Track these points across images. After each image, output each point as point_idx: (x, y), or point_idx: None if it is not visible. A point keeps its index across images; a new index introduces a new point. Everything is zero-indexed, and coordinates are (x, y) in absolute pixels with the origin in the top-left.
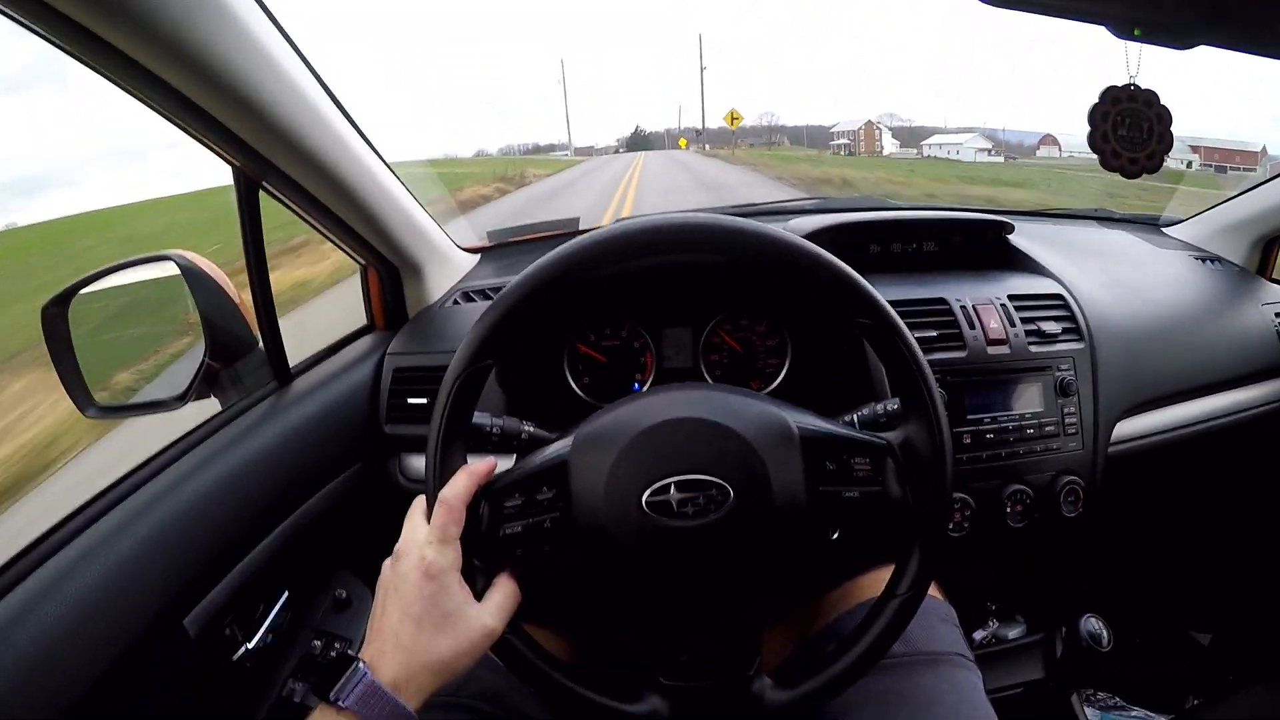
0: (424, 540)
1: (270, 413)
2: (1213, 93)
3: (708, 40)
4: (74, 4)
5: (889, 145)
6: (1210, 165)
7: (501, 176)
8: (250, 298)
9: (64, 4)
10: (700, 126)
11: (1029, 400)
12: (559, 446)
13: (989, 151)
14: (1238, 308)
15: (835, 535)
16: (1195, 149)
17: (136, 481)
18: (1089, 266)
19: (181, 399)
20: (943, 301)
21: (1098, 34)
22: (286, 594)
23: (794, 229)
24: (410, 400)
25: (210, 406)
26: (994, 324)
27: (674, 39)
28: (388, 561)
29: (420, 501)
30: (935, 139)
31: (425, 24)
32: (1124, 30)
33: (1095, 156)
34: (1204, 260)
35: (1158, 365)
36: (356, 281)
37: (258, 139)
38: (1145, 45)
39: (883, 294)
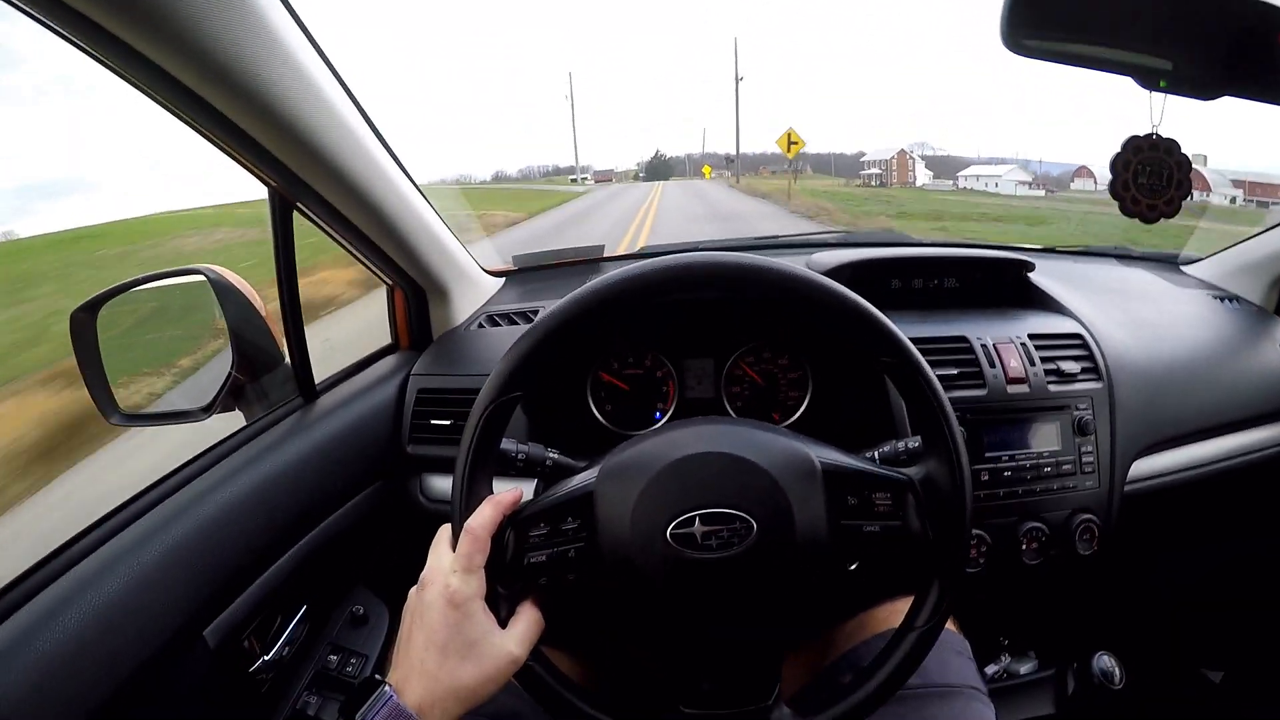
0: (449, 569)
1: (295, 429)
2: (1255, 125)
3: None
4: (133, 32)
5: (922, 176)
6: (1253, 201)
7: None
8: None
9: (124, 31)
10: (733, 152)
11: (1046, 439)
12: (585, 477)
13: (1029, 185)
14: (1256, 347)
15: (853, 567)
16: (1238, 184)
17: (162, 493)
18: (1108, 305)
19: (207, 410)
20: (963, 340)
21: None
22: (305, 608)
23: (816, 264)
24: (434, 421)
25: (234, 419)
26: (1014, 363)
27: (697, 60)
28: (414, 589)
29: (446, 530)
30: (972, 170)
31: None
32: (1149, 82)
33: None
34: (1222, 299)
35: (1175, 404)
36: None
37: (295, 162)
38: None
39: (904, 331)
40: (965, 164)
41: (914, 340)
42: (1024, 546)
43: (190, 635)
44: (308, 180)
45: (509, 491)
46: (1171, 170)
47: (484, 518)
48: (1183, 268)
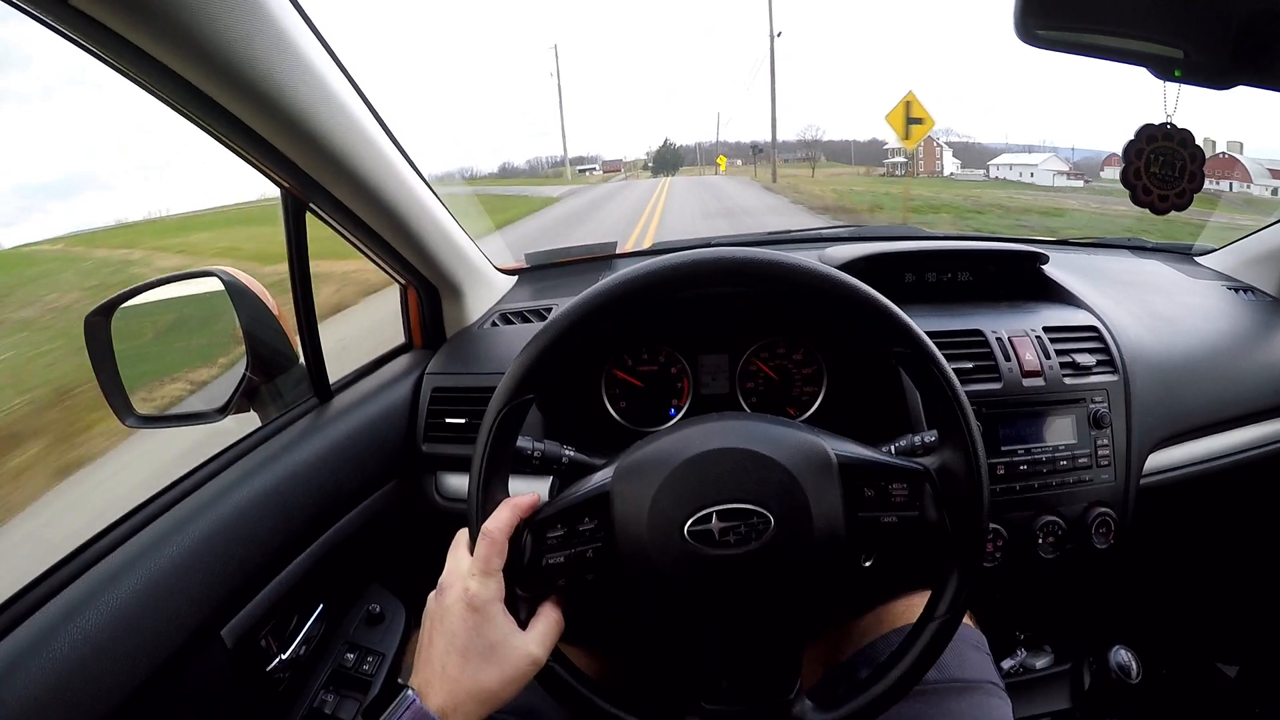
0: (467, 572)
1: (311, 429)
2: None
3: (747, 54)
4: (143, 35)
5: (949, 164)
6: None
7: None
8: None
9: (135, 35)
10: (764, 139)
11: (1062, 432)
12: (600, 477)
13: (1066, 175)
14: (1271, 338)
15: (868, 562)
16: (1276, 173)
17: (180, 493)
18: (1122, 297)
19: (222, 412)
20: (978, 333)
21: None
22: (321, 607)
23: (829, 258)
24: (448, 420)
25: (249, 420)
26: (1029, 356)
27: (713, 39)
28: (432, 594)
29: (463, 534)
30: (1004, 159)
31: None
32: (1164, 72)
33: None
34: (1237, 290)
35: (1191, 397)
36: None
37: (307, 162)
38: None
39: (918, 324)
40: (992, 151)
41: (928, 333)
42: (1040, 541)
43: (208, 635)
44: (320, 180)
45: (526, 495)
46: (1185, 162)
47: (501, 521)
48: (1197, 258)
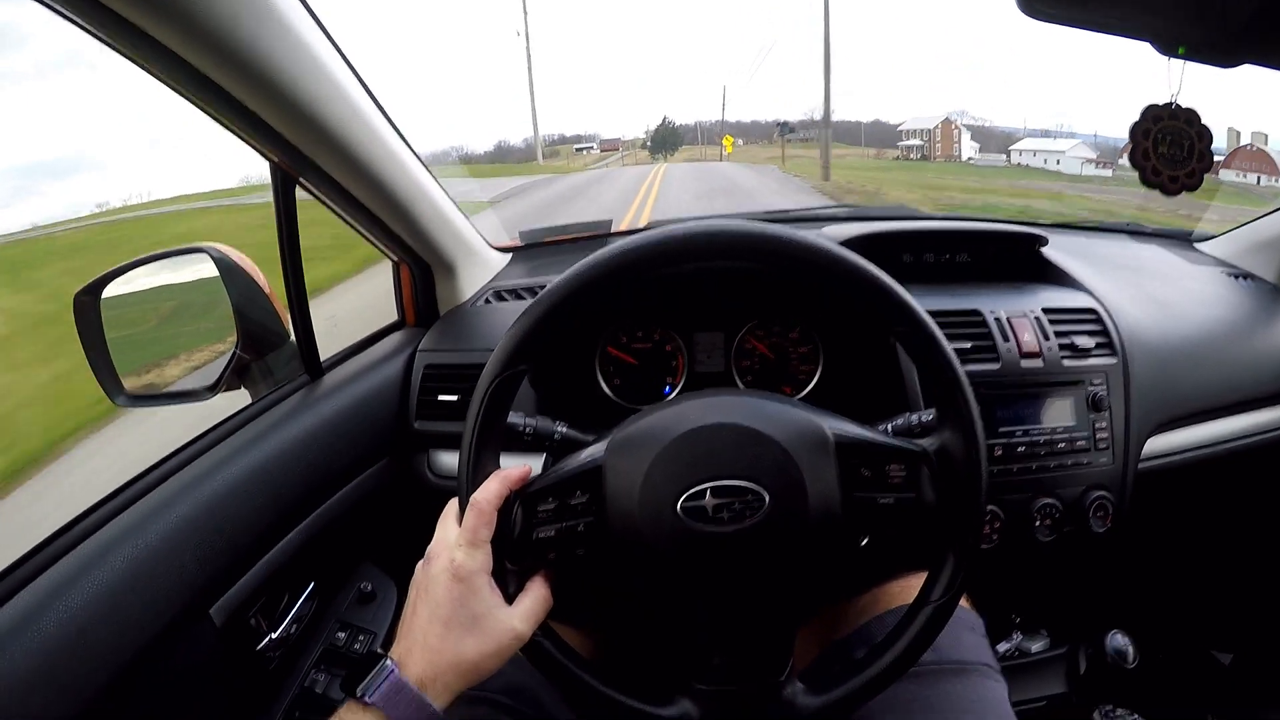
0: (454, 543)
1: (301, 406)
2: None
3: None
4: (127, 5)
5: (967, 148)
6: None
7: None
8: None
9: (119, 4)
10: (792, 117)
11: (1060, 414)
12: (593, 451)
13: (1095, 163)
14: (1270, 325)
15: (864, 543)
16: None
17: (167, 471)
18: (1122, 281)
19: (212, 390)
20: (976, 313)
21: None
22: (312, 585)
23: (827, 237)
24: (440, 397)
25: (240, 398)
26: (1028, 337)
27: (719, 16)
28: (420, 563)
29: (453, 504)
30: (1027, 143)
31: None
32: (1168, 48)
33: None
34: (1236, 277)
35: (1189, 382)
36: None
37: (296, 135)
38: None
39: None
40: (1011, 136)
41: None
42: (1037, 523)
43: (196, 613)
44: (309, 154)
45: (517, 467)
46: (1192, 141)
47: (490, 492)
48: (1196, 245)
